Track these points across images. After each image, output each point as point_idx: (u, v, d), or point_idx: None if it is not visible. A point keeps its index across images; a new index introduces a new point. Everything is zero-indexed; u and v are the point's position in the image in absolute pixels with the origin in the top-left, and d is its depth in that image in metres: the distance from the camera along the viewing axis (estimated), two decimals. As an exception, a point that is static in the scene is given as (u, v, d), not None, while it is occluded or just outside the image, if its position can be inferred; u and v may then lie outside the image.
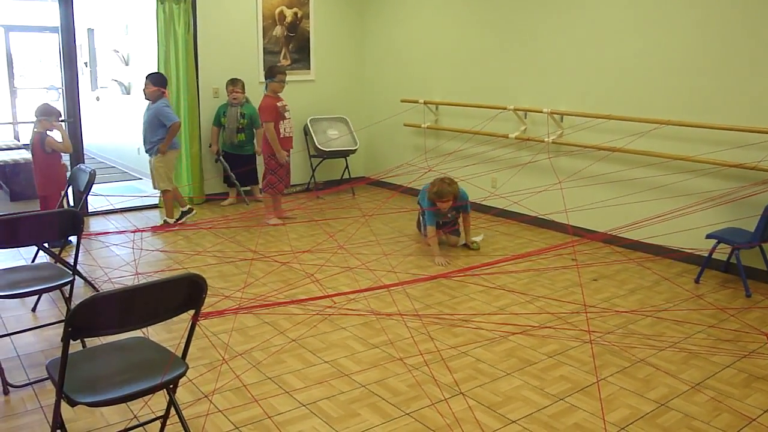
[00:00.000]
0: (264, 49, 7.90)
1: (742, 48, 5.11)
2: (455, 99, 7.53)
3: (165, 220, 6.73)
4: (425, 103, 7.81)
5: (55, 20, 6.91)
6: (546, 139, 6.49)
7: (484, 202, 7.16)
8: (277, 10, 7.94)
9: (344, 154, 8.24)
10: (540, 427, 3.12)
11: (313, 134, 8.09)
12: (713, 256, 5.15)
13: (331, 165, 8.60)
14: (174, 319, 2.57)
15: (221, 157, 7.54)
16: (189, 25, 7.26)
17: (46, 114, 5.81)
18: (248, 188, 7.79)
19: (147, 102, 6.48)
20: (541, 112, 6.49)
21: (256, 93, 7.25)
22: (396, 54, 8.31)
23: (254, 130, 7.51)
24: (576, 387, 3.52)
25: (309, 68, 8.35)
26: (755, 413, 3.28)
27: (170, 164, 6.61)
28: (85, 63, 11.42)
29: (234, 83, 7.33)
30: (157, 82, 6.42)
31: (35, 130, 5.84)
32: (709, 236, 5.07)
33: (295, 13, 8.10)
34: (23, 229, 3.57)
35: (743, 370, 3.74)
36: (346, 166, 8.49)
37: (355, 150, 8.30)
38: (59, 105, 6.57)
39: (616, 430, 3.10)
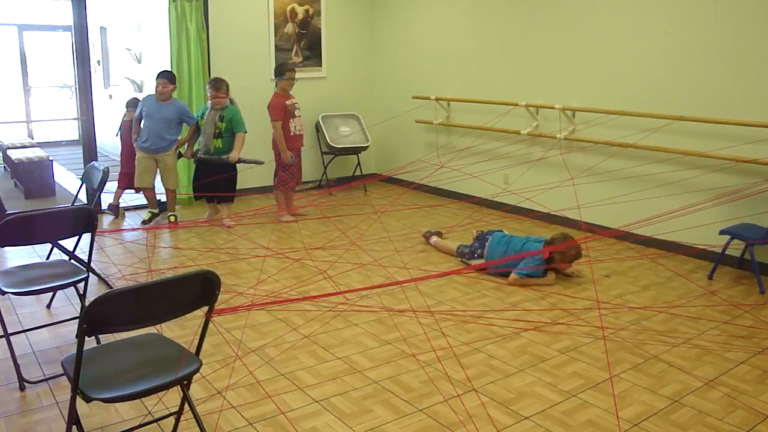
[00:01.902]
0: (276, 46, 7.92)
1: (756, 43, 5.07)
2: (467, 95, 7.52)
3: (171, 216, 6.74)
4: (437, 99, 7.80)
5: (68, 19, 6.96)
6: (558, 135, 6.47)
7: (496, 199, 7.15)
8: (289, 8, 7.95)
9: (356, 150, 8.25)
10: (553, 423, 3.12)
11: (324, 131, 8.10)
12: (727, 252, 5.11)
13: (343, 162, 8.61)
14: (187, 315, 2.59)
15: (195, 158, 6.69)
16: (201, 23, 7.28)
17: (134, 106, 6.87)
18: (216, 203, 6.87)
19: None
20: (553, 108, 6.47)
21: (267, 90, 7.25)
22: (407, 50, 8.30)
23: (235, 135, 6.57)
24: (589, 383, 3.51)
25: (320, 65, 8.35)
26: (770, 410, 3.26)
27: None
28: (98, 61, 11.48)
29: (217, 87, 6.40)
30: (173, 80, 6.47)
31: (124, 119, 7.09)
32: (722, 232, 5.04)
33: (307, 11, 8.10)
34: (38, 226, 3.60)
35: (757, 367, 3.71)
36: (358, 163, 8.50)
37: (367, 147, 8.30)
38: (72, 103, 6.61)
39: (630, 427, 3.09)
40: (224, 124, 6.47)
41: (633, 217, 5.85)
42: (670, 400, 3.34)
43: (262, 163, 6.85)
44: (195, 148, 6.65)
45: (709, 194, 5.42)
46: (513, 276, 5.04)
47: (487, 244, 5.37)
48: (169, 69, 6.98)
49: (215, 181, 6.53)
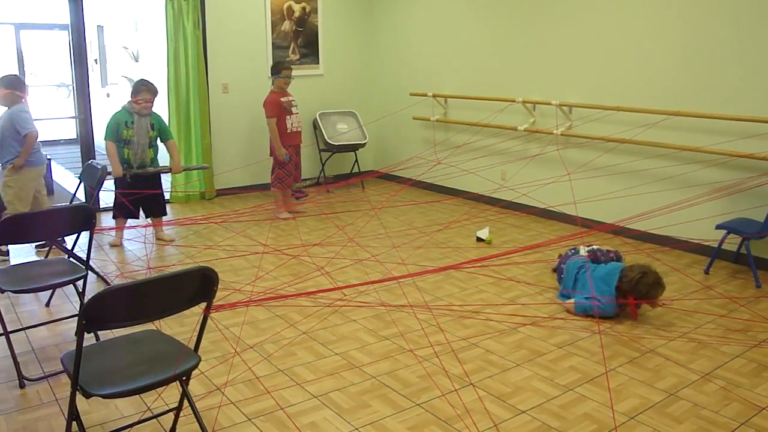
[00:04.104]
0: (273, 44, 7.92)
1: (752, 38, 5.09)
2: (464, 92, 7.53)
3: None
4: (434, 96, 7.81)
5: (65, 18, 6.97)
6: (555, 131, 6.48)
7: (493, 194, 7.17)
8: (286, 5, 7.96)
9: (353, 147, 8.26)
10: (549, 417, 3.14)
11: (322, 128, 8.11)
12: (723, 247, 5.14)
13: (340, 159, 8.62)
14: (186, 312, 2.61)
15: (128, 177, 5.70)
16: (198, 21, 7.29)
17: None
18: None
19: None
20: (550, 104, 6.48)
21: (264, 88, 7.26)
22: (404, 47, 8.31)
23: (165, 144, 5.94)
24: (586, 377, 3.53)
25: (318, 63, 8.36)
26: (765, 402, 3.28)
27: (27, 185, 5.39)
28: (95, 60, 11.48)
29: (152, 92, 5.69)
30: (10, 84, 5.36)
31: None
32: (718, 227, 5.06)
33: (304, 8, 8.11)
34: (36, 224, 3.61)
35: (753, 360, 3.74)
36: (356, 160, 8.51)
37: (365, 144, 8.31)
38: (70, 102, 6.58)
39: (626, 420, 3.11)
40: (155, 133, 5.78)
41: (629, 212, 5.87)
42: (666, 393, 3.37)
43: (206, 167, 6.75)
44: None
45: (705, 189, 5.44)
46: (568, 304, 4.39)
47: (563, 275, 4.66)
48: (14, 74, 5.82)
49: (154, 195, 5.86)
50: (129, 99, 5.72)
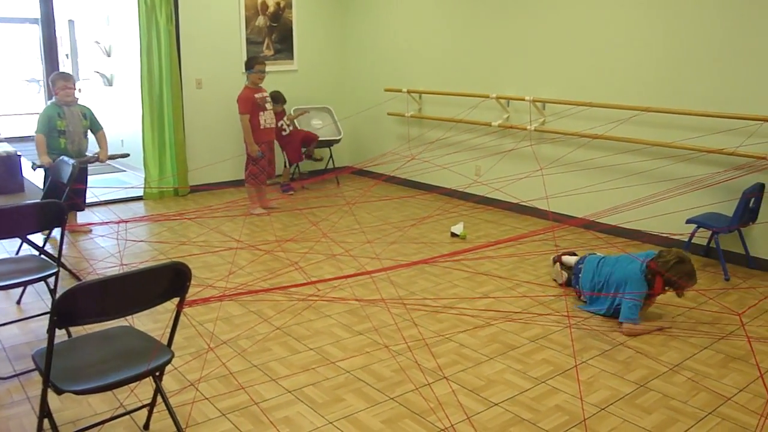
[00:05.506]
0: (247, 39, 7.89)
1: (719, 36, 5.17)
2: (438, 88, 7.56)
3: None
4: (409, 92, 7.83)
5: (36, 12, 6.87)
6: (528, 127, 6.53)
7: (467, 190, 7.21)
8: (260, 0, 7.93)
9: (328, 143, 8.25)
10: (522, 409, 3.18)
11: (297, 124, 8.09)
12: (693, 241, 5.22)
13: (315, 154, 8.61)
14: (159, 309, 2.61)
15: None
16: (171, 16, 7.23)
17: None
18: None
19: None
20: (524, 100, 6.53)
21: (238, 84, 7.23)
22: (379, 43, 8.32)
23: (95, 134, 6.03)
24: (558, 370, 3.58)
25: (292, 58, 8.34)
26: (731, 392, 3.35)
27: None
28: (66, 55, 11.33)
29: (66, 78, 5.83)
30: None
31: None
32: (689, 221, 5.14)
33: (278, 3, 8.08)
34: (6, 221, 3.57)
35: (721, 351, 3.81)
36: (331, 156, 8.51)
37: (339, 139, 8.31)
38: (41, 97, 6.48)
39: (597, 411, 3.16)
40: (87, 122, 5.92)
41: (601, 206, 5.94)
42: (636, 384, 3.42)
43: (128, 155, 6.67)
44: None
45: (675, 183, 5.53)
46: (626, 327, 4.04)
47: (581, 276, 4.51)
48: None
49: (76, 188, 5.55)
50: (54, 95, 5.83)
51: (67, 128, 5.75)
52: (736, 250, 5.28)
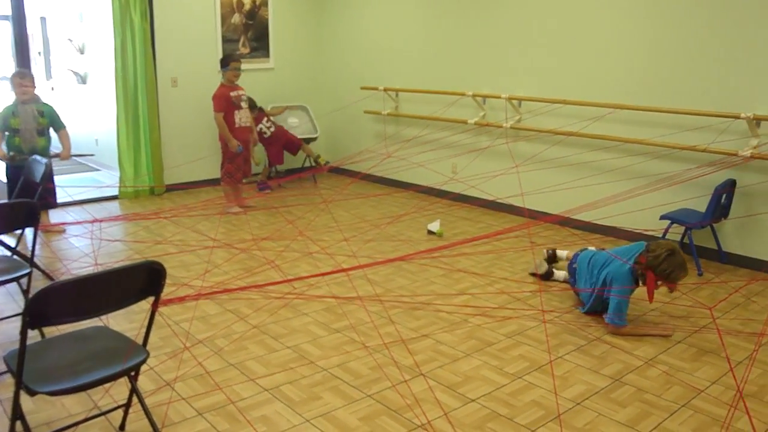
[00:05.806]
0: (222, 37, 7.84)
1: (691, 35, 5.23)
2: (415, 86, 7.57)
3: None
4: (385, 90, 7.83)
5: (6, 8, 6.78)
6: (504, 125, 6.57)
7: (444, 187, 7.23)
8: (235, -2, 7.89)
9: (305, 141, 8.23)
10: (498, 404, 3.20)
11: (275, 122, 8.06)
12: (667, 237, 5.28)
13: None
14: (134, 309, 2.59)
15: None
16: (146, 13, 7.17)
17: None
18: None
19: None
20: (500, 97, 6.56)
21: (214, 81, 7.17)
22: (356, 41, 8.31)
23: (57, 133, 6.00)
24: (534, 365, 3.60)
25: (268, 56, 8.31)
26: (704, 385, 3.40)
27: None
28: (39, 52, 11.19)
29: (22, 76, 5.80)
30: None
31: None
32: (663, 217, 5.20)
33: (254, 1, 8.04)
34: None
35: (693, 345, 3.86)
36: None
37: (316, 138, 8.30)
38: (12, 96, 6.41)
39: (572, 405, 3.19)
40: (46, 120, 5.85)
41: (576, 203, 5.99)
42: (611, 379, 3.46)
43: (93, 155, 6.56)
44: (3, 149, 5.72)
45: (649, 180, 5.59)
46: (610, 329, 4.01)
47: (577, 276, 4.43)
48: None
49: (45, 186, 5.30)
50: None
51: (20, 126, 5.72)
52: (709, 246, 5.35)
